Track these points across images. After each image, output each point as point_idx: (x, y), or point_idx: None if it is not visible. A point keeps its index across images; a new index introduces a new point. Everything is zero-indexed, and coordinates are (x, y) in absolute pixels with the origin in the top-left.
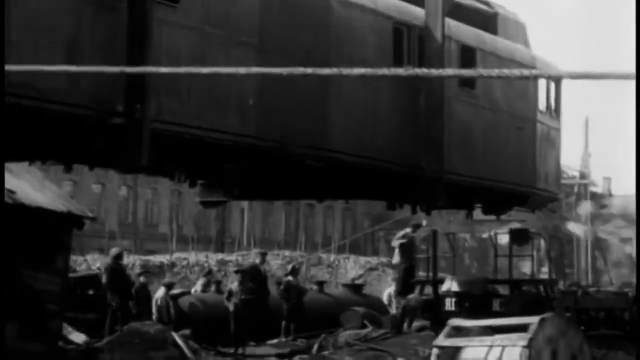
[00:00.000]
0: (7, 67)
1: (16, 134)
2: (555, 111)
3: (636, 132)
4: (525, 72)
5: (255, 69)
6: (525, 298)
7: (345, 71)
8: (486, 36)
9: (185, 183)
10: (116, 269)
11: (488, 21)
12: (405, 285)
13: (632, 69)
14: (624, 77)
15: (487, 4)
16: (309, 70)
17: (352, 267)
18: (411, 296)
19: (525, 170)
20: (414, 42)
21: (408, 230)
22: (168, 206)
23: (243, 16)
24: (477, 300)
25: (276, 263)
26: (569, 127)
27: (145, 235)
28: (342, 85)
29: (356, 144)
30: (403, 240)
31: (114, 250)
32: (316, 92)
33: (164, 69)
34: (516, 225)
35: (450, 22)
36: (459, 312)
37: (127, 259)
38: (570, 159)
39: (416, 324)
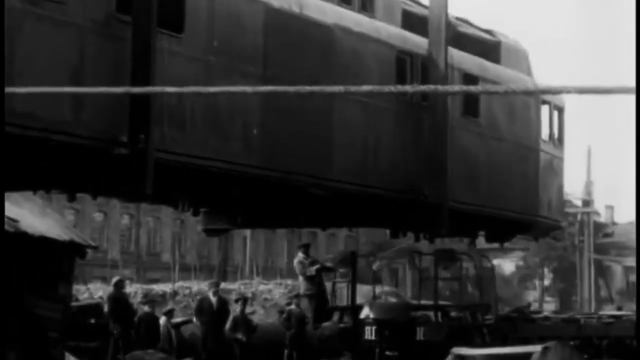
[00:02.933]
0: (8, 89)
1: (20, 163)
2: (558, 140)
3: (636, 155)
4: (530, 87)
5: (261, 88)
6: (450, 325)
7: (353, 88)
8: (489, 65)
9: (188, 212)
10: (118, 297)
11: (491, 50)
12: (318, 313)
13: (633, 95)
14: (624, 91)
15: (490, 32)
16: (316, 88)
17: None
18: (326, 324)
19: (528, 199)
20: (417, 71)
21: (301, 255)
22: (170, 235)
23: (247, 46)
24: (398, 328)
25: (278, 292)
26: (572, 155)
27: (147, 264)
28: (345, 113)
29: (359, 172)
30: (313, 274)
31: (114, 279)
32: (319, 121)
33: (169, 89)
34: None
35: (453, 51)
36: (379, 342)
37: (130, 288)
38: (573, 188)
39: None
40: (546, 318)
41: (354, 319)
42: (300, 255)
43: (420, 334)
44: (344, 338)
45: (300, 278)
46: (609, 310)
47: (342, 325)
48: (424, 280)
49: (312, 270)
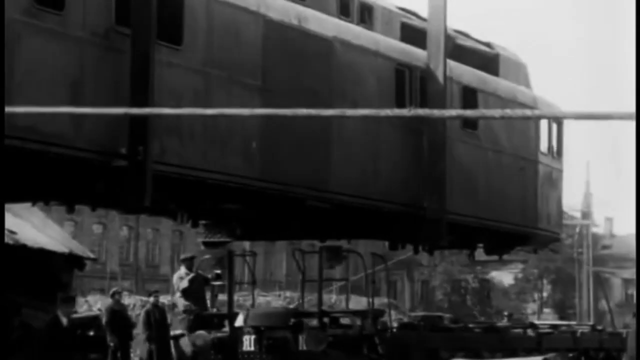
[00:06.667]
0: (9, 109)
1: (20, 175)
2: (557, 152)
3: (636, 167)
4: (527, 112)
5: (258, 111)
6: (334, 334)
7: (349, 112)
8: (488, 77)
9: (187, 224)
10: (115, 309)
11: (489, 62)
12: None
13: (633, 109)
14: (624, 117)
15: (489, 45)
16: (313, 111)
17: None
18: (198, 333)
19: (527, 211)
20: (416, 84)
21: (183, 270)
22: (169, 247)
23: (246, 58)
24: (278, 338)
25: (278, 303)
26: (571, 168)
27: (146, 276)
28: (344, 126)
29: (358, 184)
30: (186, 286)
31: (111, 290)
32: (318, 133)
33: (167, 110)
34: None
35: (452, 64)
36: (259, 352)
37: (128, 300)
38: (572, 200)
39: None
40: (466, 328)
41: (230, 327)
42: (182, 269)
43: (303, 344)
44: (219, 349)
45: (177, 294)
46: (552, 319)
47: (218, 334)
48: (307, 281)
49: (186, 282)
